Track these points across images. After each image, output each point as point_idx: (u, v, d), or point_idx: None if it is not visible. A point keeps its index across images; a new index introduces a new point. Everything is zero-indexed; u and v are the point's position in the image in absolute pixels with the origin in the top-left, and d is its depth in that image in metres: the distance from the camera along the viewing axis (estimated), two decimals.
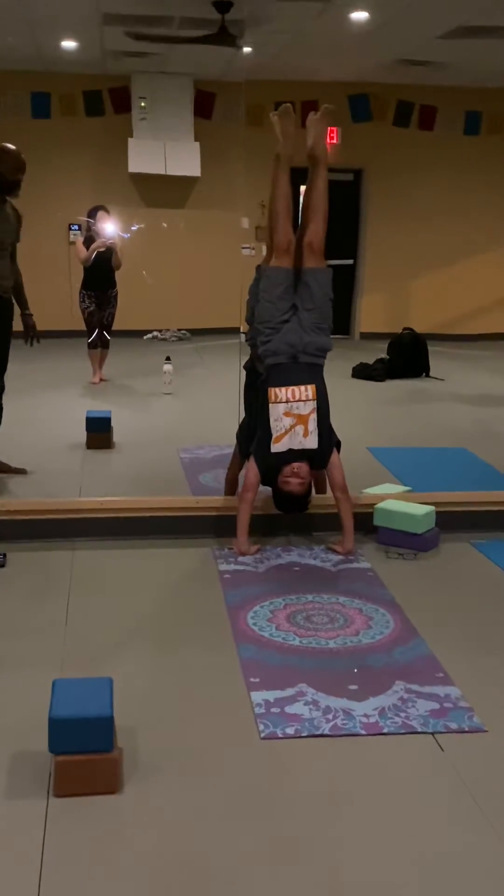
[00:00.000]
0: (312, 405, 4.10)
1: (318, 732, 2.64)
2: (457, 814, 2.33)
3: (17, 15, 8.13)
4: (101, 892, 2.04)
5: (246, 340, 4.52)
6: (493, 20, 8.05)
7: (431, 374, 9.15)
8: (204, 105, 10.90)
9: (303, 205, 4.33)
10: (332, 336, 4.26)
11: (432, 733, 2.66)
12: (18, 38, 9.06)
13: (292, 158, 4.23)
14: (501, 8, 7.60)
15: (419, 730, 2.67)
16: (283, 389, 4.09)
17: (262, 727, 2.67)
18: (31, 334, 5.19)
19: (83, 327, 8.51)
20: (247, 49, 9.08)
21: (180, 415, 7.21)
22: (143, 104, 10.65)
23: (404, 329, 9.59)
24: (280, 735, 2.63)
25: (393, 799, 2.39)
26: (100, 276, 8.40)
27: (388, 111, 11.02)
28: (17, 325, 5.11)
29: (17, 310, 5.12)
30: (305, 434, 4.09)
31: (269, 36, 8.71)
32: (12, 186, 4.82)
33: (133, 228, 9.64)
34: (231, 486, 4.61)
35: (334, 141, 11.60)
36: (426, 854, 2.18)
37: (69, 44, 9.45)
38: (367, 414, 7.27)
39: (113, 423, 6.07)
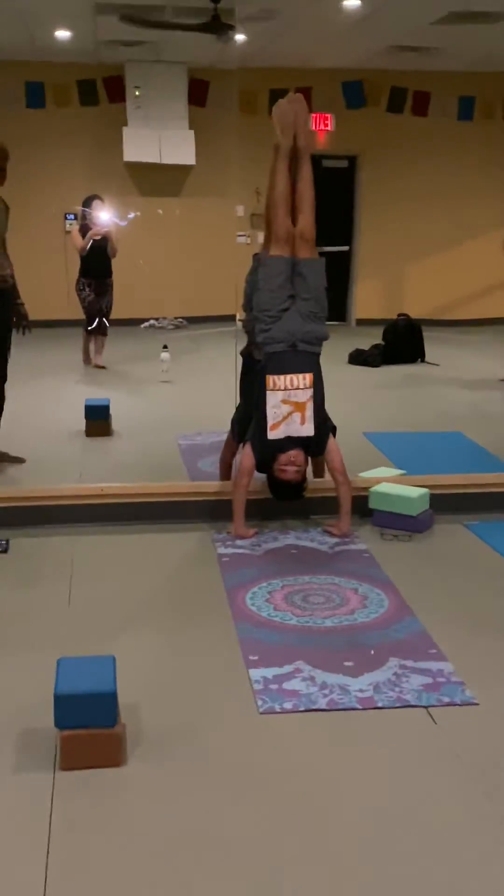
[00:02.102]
0: (309, 393, 4.17)
1: (315, 707, 2.73)
2: (450, 784, 2.41)
3: (10, 5, 8.16)
4: (106, 860, 2.13)
5: (243, 327, 4.59)
6: (484, 5, 8.09)
7: (427, 359, 9.22)
8: (198, 93, 10.92)
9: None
10: (328, 323, 4.33)
11: (426, 707, 2.75)
12: (12, 28, 9.09)
13: (307, 148, 4.28)
14: None
15: (413, 703, 2.75)
16: (282, 377, 4.16)
17: (260, 703, 2.75)
18: (24, 324, 5.24)
19: (80, 316, 8.59)
20: (240, 37, 9.11)
21: (178, 402, 7.29)
22: (137, 93, 10.68)
23: (399, 315, 9.66)
24: (278, 710, 2.72)
25: (388, 770, 2.47)
26: (97, 264, 8.49)
27: (382, 97, 11.04)
28: None
29: None
30: (302, 421, 4.16)
31: (263, 23, 8.73)
32: None
33: (129, 217, 9.68)
34: (226, 468, 4.70)
35: (329, 128, 11.66)
36: (421, 822, 2.26)
37: (63, 33, 9.49)
38: (362, 399, 7.34)
39: (111, 411, 6.15)
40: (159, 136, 10.81)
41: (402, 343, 9.27)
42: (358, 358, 9.04)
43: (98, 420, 6.06)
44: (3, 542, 4.04)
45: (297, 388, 4.15)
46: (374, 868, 2.10)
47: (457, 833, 2.22)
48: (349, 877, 2.07)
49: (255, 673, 2.93)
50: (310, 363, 4.22)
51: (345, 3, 8.15)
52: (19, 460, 5.25)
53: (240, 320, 4.69)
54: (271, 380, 4.16)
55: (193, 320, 11.26)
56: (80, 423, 6.05)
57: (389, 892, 2.03)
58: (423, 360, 9.22)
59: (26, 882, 2.04)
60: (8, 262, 5.03)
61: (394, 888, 2.04)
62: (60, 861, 2.12)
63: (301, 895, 2.01)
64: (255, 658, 3.03)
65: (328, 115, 11.49)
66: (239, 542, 4.12)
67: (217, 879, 2.06)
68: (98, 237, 8.40)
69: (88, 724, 2.42)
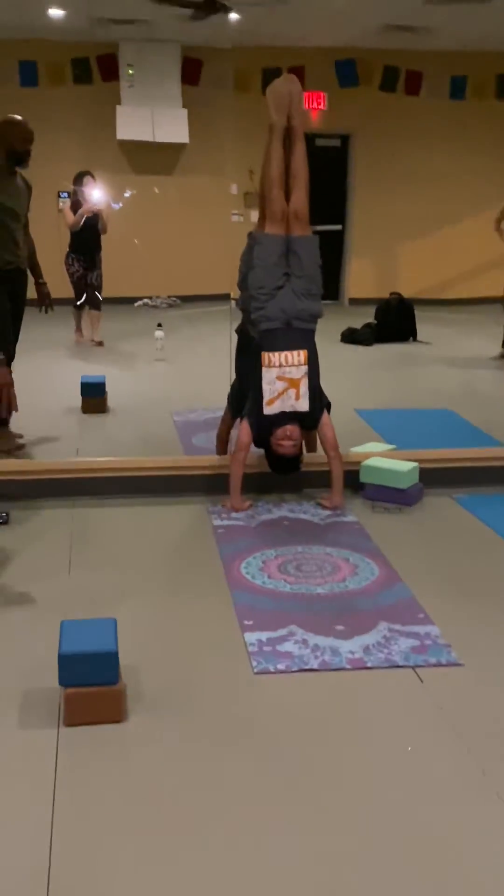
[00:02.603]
0: (304, 370, 4.27)
1: (307, 667, 2.85)
2: (435, 738, 2.54)
3: None
4: (108, 810, 2.25)
5: (237, 305, 4.68)
6: None
7: (418, 338, 9.33)
8: (191, 72, 10.95)
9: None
10: (321, 301, 4.42)
11: (413, 667, 2.87)
12: (5, 6, 9.09)
13: (301, 127, 4.36)
14: None
15: (400, 664, 2.88)
16: (277, 354, 4.25)
17: (255, 664, 2.87)
18: (46, 303, 5.31)
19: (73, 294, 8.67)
20: (234, 16, 9.14)
21: (172, 379, 7.38)
22: (130, 71, 10.70)
23: (391, 294, 9.75)
24: (272, 670, 2.84)
25: (376, 726, 2.60)
26: (87, 240, 8.60)
27: (375, 76, 11.08)
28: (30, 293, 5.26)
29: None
30: (297, 397, 4.26)
31: (256, 1, 8.76)
32: (22, 157, 4.88)
33: (126, 195, 9.75)
34: (222, 443, 4.81)
35: (322, 107, 11.69)
36: (407, 776, 2.38)
37: (56, 12, 9.49)
38: (354, 377, 7.44)
39: (107, 388, 6.23)
40: (152, 115, 10.84)
41: (394, 322, 9.36)
42: (350, 337, 9.13)
43: (94, 397, 6.15)
44: (4, 515, 4.14)
45: (292, 365, 4.25)
46: (362, 817, 2.22)
47: (440, 784, 2.35)
48: (338, 825, 2.19)
49: (250, 636, 3.05)
50: (304, 340, 4.31)
51: None
52: (17, 436, 5.33)
53: (233, 299, 4.77)
54: (266, 357, 4.26)
55: (187, 299, 11.33)
56: (76, 399, 6.14)
57: (376, 839, 2.15)
58: (415, 339, 9.33)
59: (33, 830, 2.16)
60: (29, 241, 5.10)
61: (380, 836, 2.16)
62: (65, 810, 2.23)
63: (292, 842, 2.14)
64: (250, 623, 3.15)
65: (321, 94, 11.52)
66: (234, 515, 4.24)
67: (214, 827, 2.18)
68: (90, 214, 8.49)
69: (91, 682, 2.54)
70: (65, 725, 2.55)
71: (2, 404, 3.47)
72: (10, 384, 3.45)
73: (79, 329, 8.76)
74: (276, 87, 4.37)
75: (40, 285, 5.30)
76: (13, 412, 3.81)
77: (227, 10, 8.16)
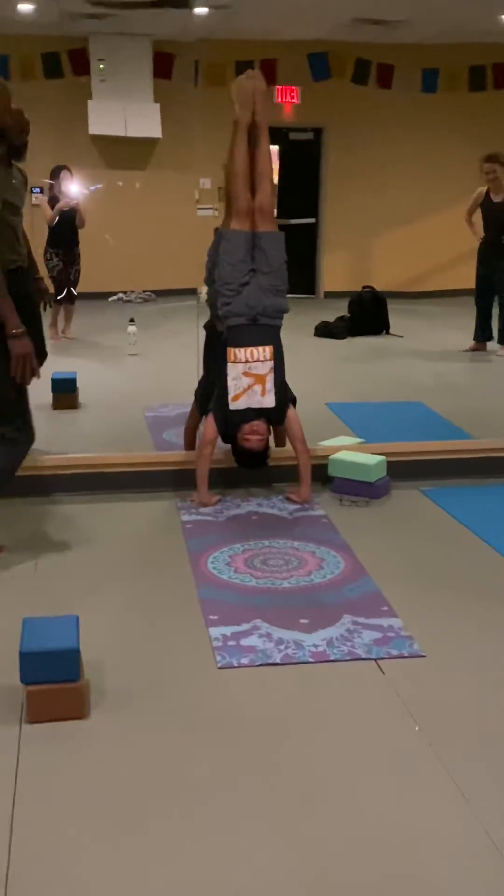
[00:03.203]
0: (270, 365, 4.28)
1: (270, 661, 2.87)
2: (396, 729, 2.57)
3: None
4: (70, 805, 2.26)
5: (206, 301, 4.69)
6: None
7: (391, 331, 9.36)
8: (163, 66, 10.90)
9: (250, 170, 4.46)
10: (295, 296, 4.43)
11: (375, 659, 2.90)
12: None
13: (265, 123, 4.36)
14: None
15: (363, 656, 2.90)
16: (242, 350, 4.26)
17: (219, 658, 2.89)
18: (44, 299, 5.22)
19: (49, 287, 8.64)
20: (203, 10, 9.13)
21: (145, 375, 7.38)
22: (101, 66, 10.65)
23: (364, 287, 9.78)
24: (236, 665, 2.86)
25: (338, 718, 2.62)
26: (65, 234, 8.58)
27: (347, 70, 11.07)
28: None
29: None
30: (263, 393, 4.28)
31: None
32: (20, 151, 4.73)
33: (93, 188, 9.73)
34: (190, 439, 4.82)
35: (294, 100, 11.69)
36: (368, 765, 2.41)
37: (26, 6, 9.44)
38: (327, 371, 7.47)
39: (78, 384, 6.22)
40: (124, 110, 10.81)
41: (367, 315, 9.39)
42: (323, 330, 9.16)
43: (65, 393, 6.13)
44: None
45: (258, 361, 4.26)
46: (324, 807, 2.25)
47: (401, 775, 2.38)
48: (301, 815, 2.22)
49: (215, 631, 3.06)
50: (270, 336, 4.32)
51: None
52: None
53: (201, 293, 4.78)
54: (232, 352, 4.27)
55: (161, 293, 11.31)
56: (47, 396, 6.12)
57: (337, 829, 2.18)
58: (387, 332, 9.36)
59: None
60: (25, 237, 5.02)
61: (342, 826, 2.19)
62: (26, 807, 2.24)
63: (256, 833, 2.16)
64: (215, 618, 3.16)
65: (294, 88, 11.52)
66: (202, 510, 4.25)
67: (178, 822, 2.20)
68: (66, 208, 8.49)
69: (53, 679, 2.55)
70: (27, 722, 2.56)
71: (26, 374, 3.53)
72: (31, 353, 3.52)
73: (55, 325, 8.73)
74: (240, 83, 4.38)
75: (37, 281, 5.22)
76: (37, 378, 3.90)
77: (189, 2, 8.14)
